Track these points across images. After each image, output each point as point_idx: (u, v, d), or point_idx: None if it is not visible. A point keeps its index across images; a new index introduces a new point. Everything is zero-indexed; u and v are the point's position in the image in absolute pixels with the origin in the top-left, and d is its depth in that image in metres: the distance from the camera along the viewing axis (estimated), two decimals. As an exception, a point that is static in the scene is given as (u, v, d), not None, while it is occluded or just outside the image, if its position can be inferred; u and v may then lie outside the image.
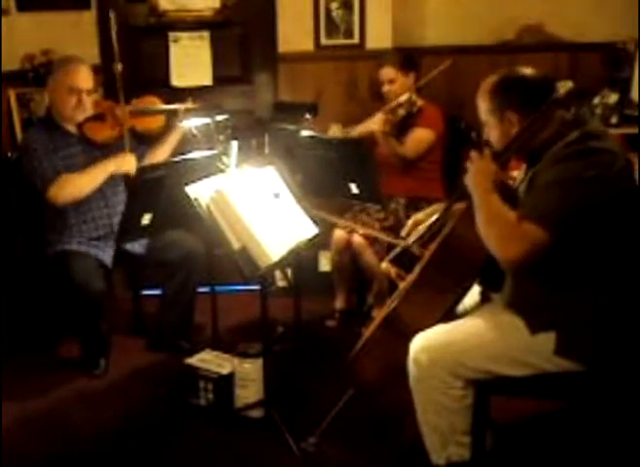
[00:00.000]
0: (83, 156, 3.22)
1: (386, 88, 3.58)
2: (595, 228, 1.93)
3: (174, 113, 3.36)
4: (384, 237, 3.12)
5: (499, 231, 1.93)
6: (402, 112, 3.45)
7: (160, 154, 3.34)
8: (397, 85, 3.55)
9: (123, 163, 3.15)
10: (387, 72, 3.56)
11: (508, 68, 2.12)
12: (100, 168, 3.13)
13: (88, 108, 3.20)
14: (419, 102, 3.46)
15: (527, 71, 2.08)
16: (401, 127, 3.52)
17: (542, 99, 2.00)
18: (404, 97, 3.46)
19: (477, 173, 2.06)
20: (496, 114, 2.08)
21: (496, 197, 1.99)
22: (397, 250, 2.47)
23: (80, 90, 3.15)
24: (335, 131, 3.62)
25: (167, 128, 3.38)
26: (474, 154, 2.09)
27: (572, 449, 2.44)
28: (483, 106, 2.12)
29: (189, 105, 3.40)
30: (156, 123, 3.38)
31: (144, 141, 3.41)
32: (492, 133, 2.13)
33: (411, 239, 2.37)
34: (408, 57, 3.61)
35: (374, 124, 3.43)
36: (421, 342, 2.07)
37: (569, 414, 2.45)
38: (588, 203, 1.90)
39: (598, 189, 1.90)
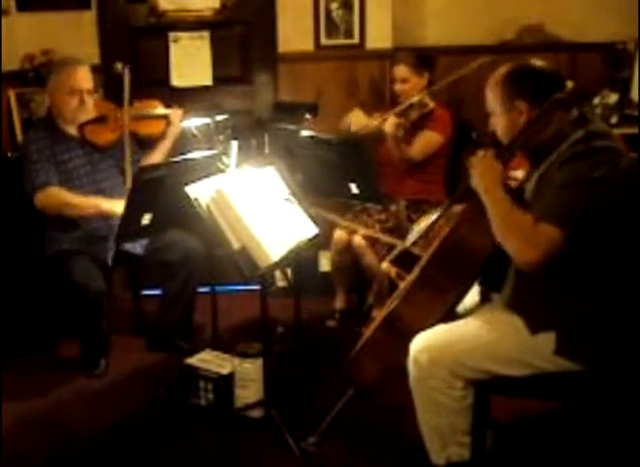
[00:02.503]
0: (83, 159, 3.22)
1: (398, 86, 3.52)
2: (599, 227, 1.93)
3: (168, 119, 3.38)
4: (385, 238, 3.12)
5: (516, 235, 1.92)
6: (414, 115, 3.38)
7: (154, 159, 3.33)
8: (410, 84, 3.49)
9: (115, 207, 3.05)
10: (401, 71, 3.50)
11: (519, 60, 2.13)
12: (94, 203, 3.10)
13: (90, 108, 3.21)
14: (431, 104, 3.39)
15: (539, 63, 2.09)
16: (410, 128, 3.47)
17: (552, 92, 1.99)
18: (415, 98, 3.39)
19: (483, 175, 2.05)
20: (505, 102, 2.07)
21: (509, 201, 1.98)
22: (397, 251, 2.47)
23: (81, 91, 3.16)
24: (356, 117, 3.54)
25: (163, 134, 3.39)
26: (480, 153, 2.08)
27: (572, 449, 2.44)
28: (492, 95, 2.11)
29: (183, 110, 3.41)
30: (157, 127, 3.38)
31: (143, 145, 3.41)
32: (499, 123, 2.11)
33: (411, 240, 2.37)
34: (424, 58, 3.54)
35: (387, 126, 3.37)
36: (421, 343, 2.07)
37: (569, 414, 2.45)
38: (596, 203, 1.90)
39: (605, 189, 1.90)
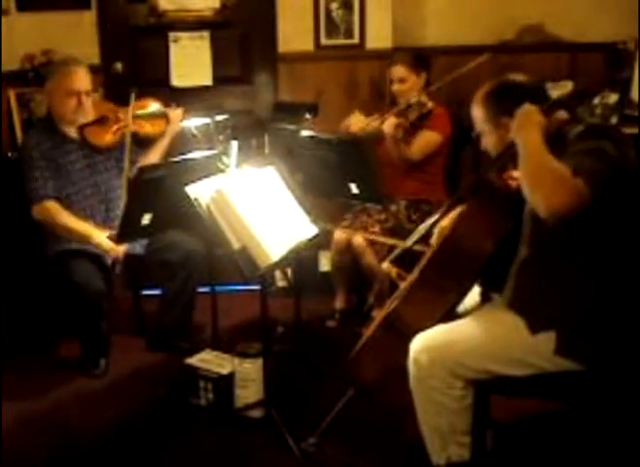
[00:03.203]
0: (82, 161, 3.22)
1: (396, 87, 3.53)
2: (603, 222, 1.93)
3: (168, 118, 3.38)
4: (384, 241, 3.12)
5: (552, 181, 1.84)
6: (413, 116, 3.38)
7: (151, 159, 3.34)
8: (407, 84, 3.50)
9: (108, 247, 3.04)
10: (398, 71, 3.51)
11: (497, 77, 2.17)
12: (87, 232, 3.08)
13: (89, 110, 3.20)
14: (429, 104, 3.39)
15: (519, 77, 2.14)
16: (410, 128, 3.47)
17: (534, 102, 2.02)
18: (414, 98, 3.41)
19: (525, 125, 1.99)
20: (491, 121, 2.12)
21: (549, 153, 1.91)
22: (397, 251, 2.46)
23: (79, 93, 3.14)
24: (356, 119, 3.55)
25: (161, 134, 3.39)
26: (525, 106, 2.01)
27: (572, 449, 2.44)
28: (478, 115, 2.17)
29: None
30: (158, 127, 3.38)
31: (142, 145, 3.41)
32: (489, 141, 2.16)
33: (411, 241, 2.36)
34: (421, 57, 3.56)
35: (387, 127, 3.37)
36: (421, 343, 2.07)
37: (569, 414, 2.45)
38: (610, 186, 1.87)
39: (618, 177, 1.88)
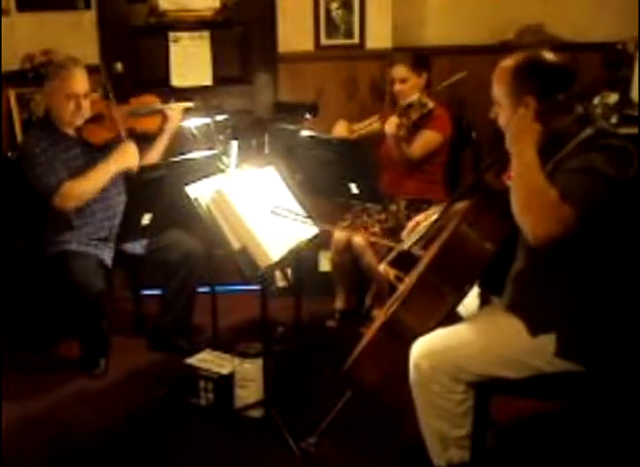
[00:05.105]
0: (83, 158, 3.21)
1: (397, 87, 3.53)
2: (598, 226, 1.92)
3: (165, 115, 3.37)
4: (382, 241, 3.11)
5: (539, 209, 1.84)
6: (415, 115, 3.37)
7: (152, 157, 3.34)
8: (408, 85, 3.49)
9: (124, 159, 3.11)
10: (399, 71, 3.51)
11: (530, 51, 2.08)
12: (102, 170, 3.11)
13: (87, 111, 3.19)
14: (430, 104, 3.36)
15: (550, 56, 2.03)
16: (411, 128, 3.46)
17: (561, 88, 1.97)
18: (414, 98, 3.40)
19: (519, 136, 1.95)
20: (513, 96, 2.00)
21: (539, 169, 1.90)
22: (394, 253, 2.45)
23: (77, 95, 3.14)
24: (340, 127, 3.59)
25: (160, 130, 3.38)
26: (520, 112, 1.97)
27: (572, 449, 2.44)
28: (500, 87, 2.04)
29: (187, 104, 3.41)
30: (154, 123, 3.37)
31: (143, 141, 3.41)
32: (503, 115, 2.05)
33: (409, 243, 2.34)
34: (421, 57, 3.56)
35: (388, 127, 3.37)
36: (422, 348, 2.06)
37: (569, 414, 2.45)
38: (604, 200, 1.87)
39: (613, 189, 1.87)
